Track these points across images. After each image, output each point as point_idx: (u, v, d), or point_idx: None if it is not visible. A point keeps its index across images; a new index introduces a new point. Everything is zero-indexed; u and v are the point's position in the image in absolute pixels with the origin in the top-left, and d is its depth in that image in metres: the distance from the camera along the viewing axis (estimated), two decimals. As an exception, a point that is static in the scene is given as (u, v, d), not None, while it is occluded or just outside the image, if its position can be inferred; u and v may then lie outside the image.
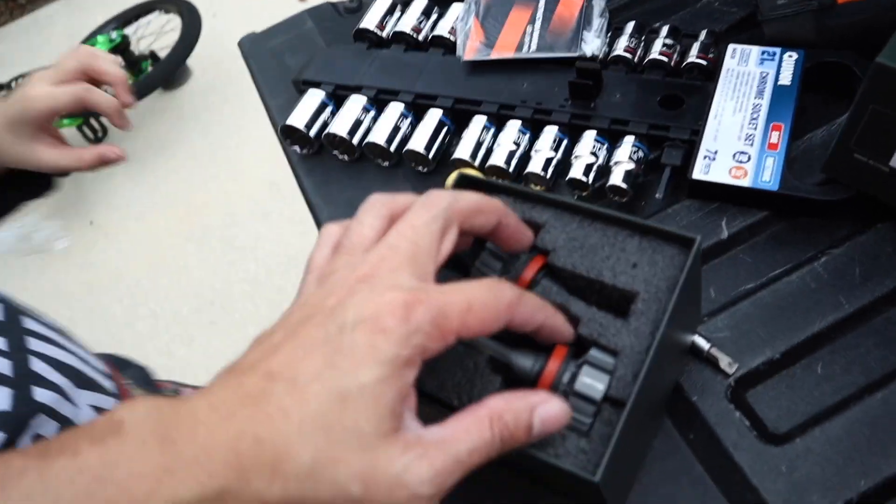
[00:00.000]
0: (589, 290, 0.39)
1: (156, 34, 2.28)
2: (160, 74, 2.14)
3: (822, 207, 0.48)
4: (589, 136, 0.54)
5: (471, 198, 0.34)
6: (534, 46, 0.59)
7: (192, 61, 2.30)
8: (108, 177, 2.22)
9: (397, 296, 0.29)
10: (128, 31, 2.23)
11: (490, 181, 0.42)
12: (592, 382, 0.33)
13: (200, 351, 1.78)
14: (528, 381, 0.35)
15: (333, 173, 0.61)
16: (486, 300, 0.31)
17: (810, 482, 0.39)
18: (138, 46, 2.26)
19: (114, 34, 2.16)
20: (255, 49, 0.75)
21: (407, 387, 0.29)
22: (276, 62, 0.72)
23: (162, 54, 2.24)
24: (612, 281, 0.38)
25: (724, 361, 0.43)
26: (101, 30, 2.26)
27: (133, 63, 2.20)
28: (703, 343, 0.43)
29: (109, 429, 0.28)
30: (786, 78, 0.53)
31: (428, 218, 0.32)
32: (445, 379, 0.37)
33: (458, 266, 0.40)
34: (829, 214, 0.48)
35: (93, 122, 2.16)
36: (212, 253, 1.96)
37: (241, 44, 0.76)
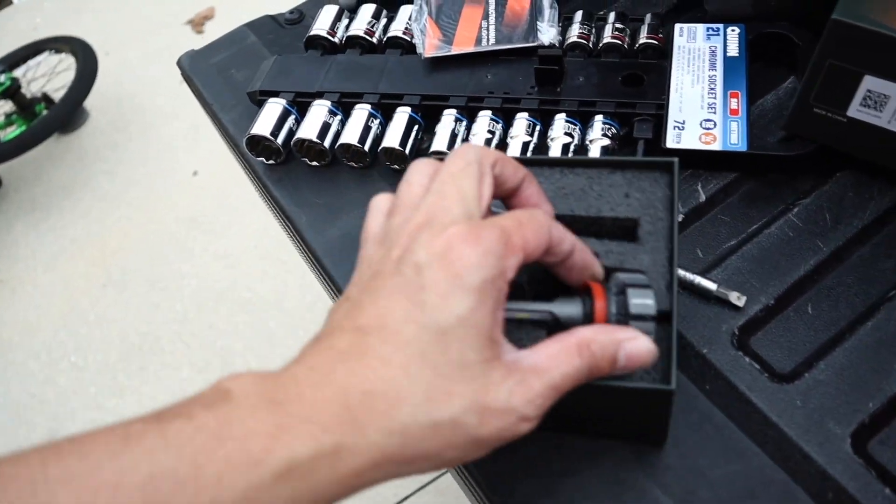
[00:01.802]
0: (591, 230, 0.41)
1: (47, 75, 2.18)
2: (58, 117, 2.04)
3: (787, 163, 0.52)
4: (560, 119, 0.56)
5: (494, 150, 0.36)
6: (492, 39, 0.61)
7: (87, 101, 2.21)
8: (7, 229, 2.09)
9: (460, 227, 0.31)
10: (17, 73, 2.12)
11: None
12: (643, 301, 0.34)
13: (133, 400, 1.70)
14: (579, 326, 0.36)
15: (304, 180, 0.61)
16: (529, 216, 0.33)
17: (824, 411, 0.42)
18: (29, 89, 2.15)
19: (2, 77, 2.04)
20: (196, 66, 0.73)
21: (498, 310, 0.30)
22: (222, 78, 0.71)
23: (56, 96, 2.13)
24: (613, 213, 0.40)
25: (734, 296, 0.45)
26: (-14, 74, 2.14)
27: (25, 107, 2.09)
28: (709, 284, 0.46)
29: (219, 396, 0.28)
30: (733, 50, 0.57)
31: (464, 164, 0.34)
32: None
33: None
34: (794, 169, 0.52)
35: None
36: (134, 296, 1.88)
37: (180, 63, 0.74)
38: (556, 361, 0.31)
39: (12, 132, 2.05)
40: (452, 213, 0.32)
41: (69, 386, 1.75)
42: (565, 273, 0.36)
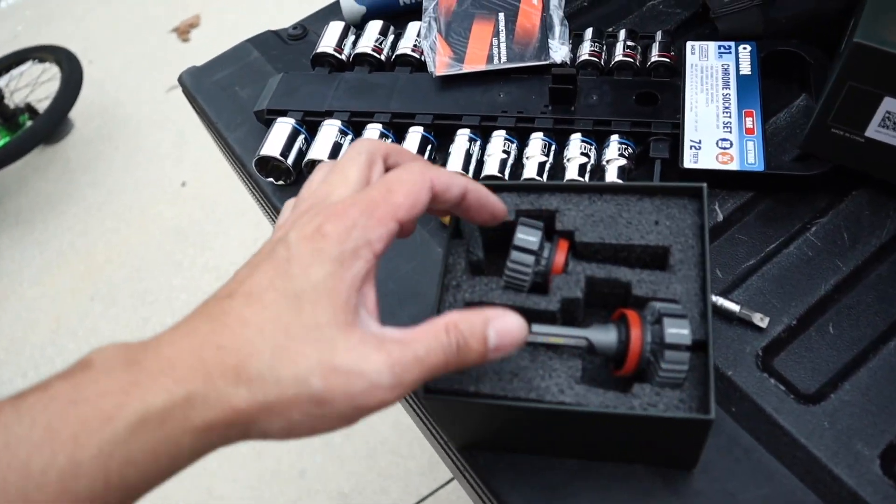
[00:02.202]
0: (619, 257, 0.41)
1: (31, 86, 2.14)
2: (43, 127, 2.01)
3: (803, 182, 0.52)
4: (576, 139, 0.56)
5: (389, 144, 0.38)
6: (504, 57, 0.61)
7: (71, 111, 2.18)
8: (-11, 242, 2.05)
9: (330, 207, 0.33)
10: (-1, 83, 2.09)
11: (493, 182, 0.44)
12: (679, 331, 0.34)
13: (123, 414, 1.67)
14: (613, 354, 0.36)
15: (315, 201, 0.60)
16: (402, 178, 0.34)
17: (852, 432, 0.42)
18: (13, 100, 2.12)
19: (-15, 88, 2.01)
20: (198, 83, 0.72)
21: (358, 280, 0.32)
22: (226, 95, 0.70)
23: (39, 106, 2.10)
24: (643, 241, 0.40)
25: (757, 317, 0.45)
26: (-33, 85, 2.11)
27: (9, 117, 2.05)
28: (732, 306, 0.46)
29: (79, 366, 0.29)
30: (745, 68, 0.57)
31: (353, 154, 0.36)
32: (532, 379, 0.37)
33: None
34: (810, 187, 0.52)
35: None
36: (122, 310, 1.85)
37: (181, 80, 0.73)
38: (423, 335, 0.32)
39: (-5, 143, 2.02)
40: (334, 196, 0.34)
41: (57, 402, 1.72)
42: (465, 215, 0.38)
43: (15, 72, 2.16)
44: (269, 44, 0.74)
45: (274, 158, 0.59)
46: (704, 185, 0.41)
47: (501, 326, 0.33)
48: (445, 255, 0.42)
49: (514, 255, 0.39)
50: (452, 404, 0.37)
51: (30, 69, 2.17)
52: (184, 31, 2.38)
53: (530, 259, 0.40)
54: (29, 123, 2.06)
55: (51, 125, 2.05)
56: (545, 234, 0.40)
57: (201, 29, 2.36)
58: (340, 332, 0.30)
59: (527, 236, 0.38)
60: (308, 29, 0.75)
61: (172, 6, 2.30)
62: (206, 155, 2.07)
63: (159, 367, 0.29)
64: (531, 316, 0.37)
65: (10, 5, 2.79)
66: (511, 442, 0.41)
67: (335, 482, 1.43)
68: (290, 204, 0.38)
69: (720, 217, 0.52)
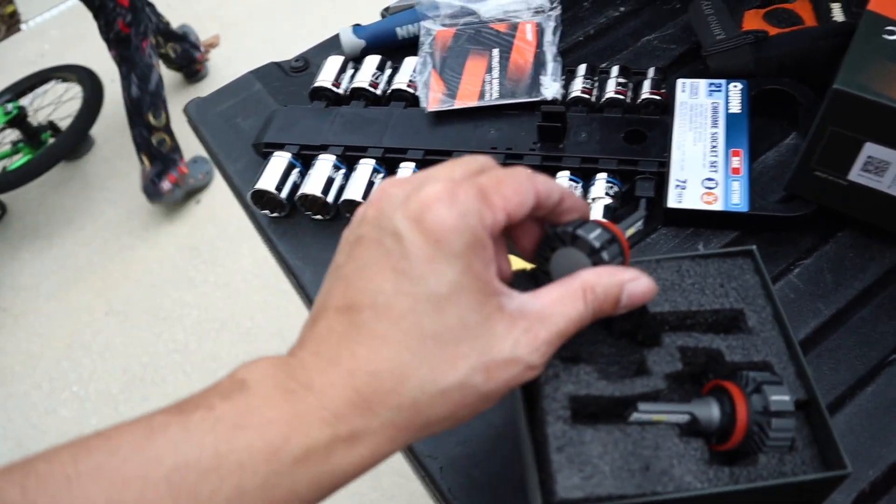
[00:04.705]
0: (686, 325, 0.40)
1: (54, 104, 2.19)
2: (64, 145, 2.06)
3: (788, 223, 0.52)
4: (563, 177, 0.56)
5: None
6: (496, 94, 0.62)
7: (92, 129, 2.22)
8: (10, 257, 2.09)
9: (435, 187, 0.30)
10: (23, 101, 2.13)
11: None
12: (782, 398, 0.34)
13: (134, 429, 1.69)
14: (717, 429, 0.36)
15: (308, 234, 0.61)
16: (511, 173, 0.32)
17: (828, 480, 0.42)
18: (36, 118, 2.16)
19: (9, 106, 2.06)
20: (203, 114, 0.74)
21: (489, 261, 0.30)
22: (228, 126, 0.72)
23: (62, 124, 2.15)
24: (715, 305, 0.39)
25: None
26: (-7, 102, 2.16)
27: (32, 135, 2.10)
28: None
29: (235, 387, 0.29)
30: (735, 106, 0.57)
31: (459, 160, 0.33)
32: (666, 470, 0.35)
33: None
34: (794, 228, 0.52)
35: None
36: (136, 326, 1.88)
37: (186, 110, 0.75)
38: (562, 307, 0.32)
39: (18, 160, 2.06)
40: (438, 178, 0.31)
41: (71, 416, 1.75)
42: (557, 219, 0.35)
43: (39, 91, 2.21)
44: (272, 76, 0.76)
45: (269, 192, 0.60)
46: (754, 247, 0.40)
47: (635, 290, 0.33)
48: None
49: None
50: None
51: (53, 88, 2.22)
52: (204, 51, 2.42)
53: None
54: (51, 141, 2.10)
55: (71, 143, 2.09)
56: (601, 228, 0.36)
57: (220, 50, 2.40)
58: (491, 322, 0.30)
59: (594, 233, 0.34)
60: (310, 61, 0.76)
61: (194, 26, 2.34)
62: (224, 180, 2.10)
63: (317, 402, 0.29)
64: (640, 399, 0.36)
65: (39, 24, 2.86)
66: None
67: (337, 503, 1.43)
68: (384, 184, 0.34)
69: (704, 257, 0.52)
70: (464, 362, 0.29)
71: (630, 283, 0.33)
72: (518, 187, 0.32)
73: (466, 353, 0.29)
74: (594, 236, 0.34)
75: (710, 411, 0.36)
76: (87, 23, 1.91)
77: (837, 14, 0.59)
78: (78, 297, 1.98)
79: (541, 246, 0.37)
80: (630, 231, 0.38)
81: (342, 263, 0.32)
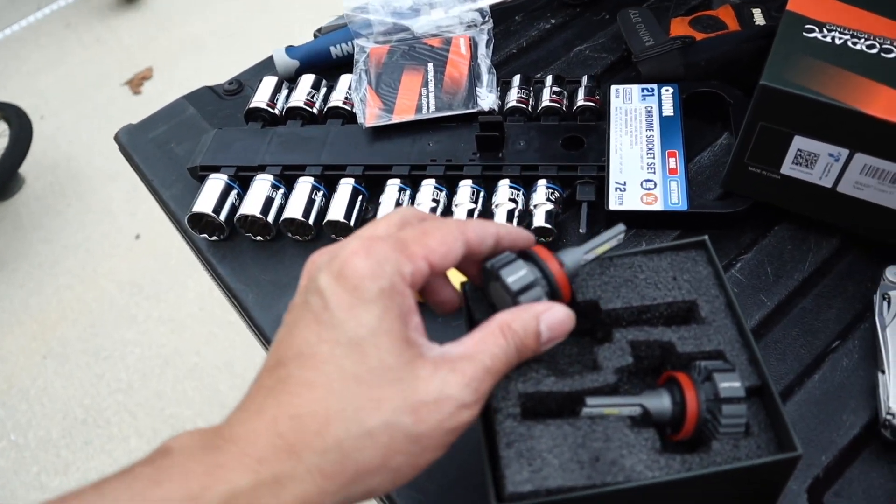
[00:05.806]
0: (643, 319, 0.40)
1: (-22, 144, 2.11)
2: (-9, 185, 1.98)
3: (726, 219, 0.53)
4: (504, 185, 0.56)
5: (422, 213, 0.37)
6: (433, 107, 0.62)
7: (22, 167, 2.15)
8: (-63, 304, 2.00)
9: (354, 244, 0.32)
10: (-54, 143, 2.05)
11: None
12: (732, 384, 0.35)
13: (78, 475, 1.62)
14: (669, 419, 0.36)
15: (249, 256, 0.59)
16: (439, 224, 0.34)
17: (781, 469, 0.42)
18: (-40, 159, 2.08)
19: (-69, 148, 1.97)
20: (135, 141, 0.72)
21: (408, 311, 0.31)
22: (161, 152, 0.70)
23: (-12, 164, 2.07)
24: (669, 298, 0.40)
25: None
26: (-87, 145, 2.06)
27: (-44, 177, 2.01)
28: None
29: (158, 453, 0.29)
30: (668, 109, 0.58)
31: (385, 217, 0.36)
32: (616, 460, 0.35)
33: None
34: (733, 224, 0.53)
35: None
36: (76, 368, 1.80)
37: (117, 138, 0.73)
38: (483, 345, 0.32)
39: (-58, 203, 1.98)
40: (354, 237, 0.33)
41: (9, 466, 1.66)
42: (497, 252, 0.37)
43: (-38, 130, 2.12)
44: (205, 100, 0.74)
45: (207, 215, 0.59)
46: (706, 237, 0.41)
47: (552, 320, 0.34)
48: None
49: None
50: None
51: (-23, 127, 2.14)
52: (136, 84, 2.37)
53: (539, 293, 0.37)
54: (-23, 182, 2.02)
55: (-1, 183, 2.01)
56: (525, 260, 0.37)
57: (153, 81, 2.36)
58: (413, 366, 0.30)
59: (514, 276, 0.35)
60: (244, 84, 0.75)
61: (125, 59, 2.29)
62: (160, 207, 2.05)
63: (239, 450, 0.28)
64: (591, 394, 0.36)
65: (-40, 63, 2.77)
66: None
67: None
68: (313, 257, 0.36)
69: (648, 257, 0.53)
70: (388, 404, 0.29)
71: (545, 313, 0.34)
72: (444, 238, 0.33)
73: (390, 395, 0.29)
74: (513, 280, 0.35)
75: (662, 402, 0.36)
76: (14, 60, 1.86)
77: (759, 18, 0.62)
78: (13, 342, 1.89)
79: (482, 278, 0.38)
80: (605, 247, 0.38)
81: (278, 333, 0.33)
